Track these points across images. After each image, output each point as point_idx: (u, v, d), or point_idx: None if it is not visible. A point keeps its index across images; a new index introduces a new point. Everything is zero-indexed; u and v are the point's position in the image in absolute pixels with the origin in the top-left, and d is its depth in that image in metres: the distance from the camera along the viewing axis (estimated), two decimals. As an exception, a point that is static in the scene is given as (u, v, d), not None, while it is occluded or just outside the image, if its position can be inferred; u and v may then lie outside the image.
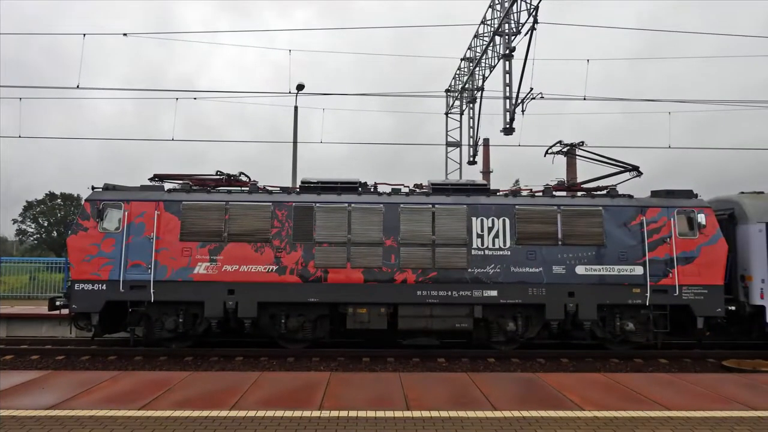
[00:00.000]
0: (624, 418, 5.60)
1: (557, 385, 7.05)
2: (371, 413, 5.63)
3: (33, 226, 56.69)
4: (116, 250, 10.71)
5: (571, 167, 31.44)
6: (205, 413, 5.59)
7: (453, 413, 5.67)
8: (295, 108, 20.10)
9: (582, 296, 10.91)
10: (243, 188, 11.77)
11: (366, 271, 10.85)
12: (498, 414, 5.67)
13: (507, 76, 15.11)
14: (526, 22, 14.66)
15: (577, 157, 13.09)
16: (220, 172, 12.09)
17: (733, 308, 11.23)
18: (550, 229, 11.07)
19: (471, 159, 20.80)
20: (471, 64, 19.59)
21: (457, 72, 21.02)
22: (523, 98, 14.79)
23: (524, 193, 11.81)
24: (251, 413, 5.59)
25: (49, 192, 56.52)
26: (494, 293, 10.88)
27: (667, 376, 7.90)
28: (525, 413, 5.69)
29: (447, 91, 22.03)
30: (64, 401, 6.06)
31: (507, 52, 15.23)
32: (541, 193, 11.69)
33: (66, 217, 53.42)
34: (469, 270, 10.89)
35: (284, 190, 11.72)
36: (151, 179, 11.75)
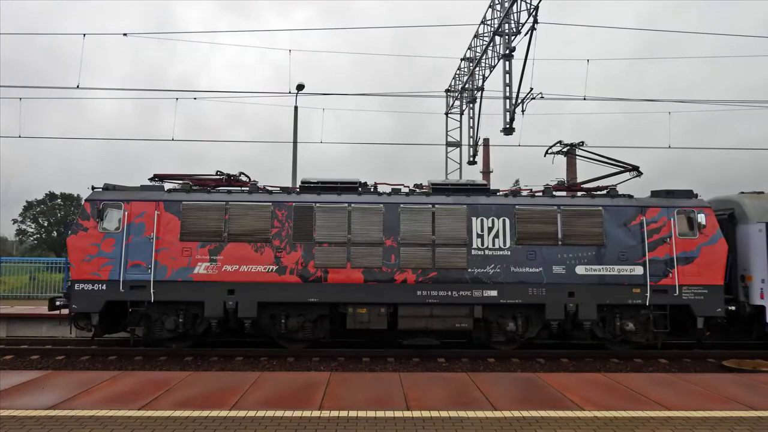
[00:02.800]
0: (624, 418, 5.60)
1: (557, 385, 7.05)
2: (371, 413, 5.64)
3: (33, 226, 56.73)
4: (116, 250, 10.71)
5: (571, 167, 31.48)
6: (205, 413, 5.59)
7: (453, 413, 5.67)
8: (295, 108, 20.13)
9: (582, 296, 10.90)
10: (243, 188, 11.76)
11: (366, 271, 10.85)
12: (498, 414, 5.67)
13: (507, 76, 15.11)
14: (526, 22, 14.67)
15: (577, 157, 13.09)
16: (220, 172, 12.09)
17: (733, 308, 11.23)
18: (550, 229, 11.07)
19: (471, 159, 20.80)
20: (471, 64, 19.59)
21: (457, 72, 21.02)
22: (523, 98, 14.80)
23: (524, 193, 11.81)
24: (251, 413, 5.60)
25: (49, 192, 56.62)
26: (494, 293, 10.88)
27: (667, 376, 7.90)
28: (525, 413, 5.69)
29: (447, 91, 22.03)
30: (64, 401, 6.06)
31: (507, 52, 15.23)
32: (541, 193, 11.69)
33: (66, 217, 53.47)
34: (469, 270, 10.89)
35: (284, 190, 11.72)
36: (151, 179, 11.75)
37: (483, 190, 11.73)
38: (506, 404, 6.06)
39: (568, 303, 10.89)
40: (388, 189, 11.68)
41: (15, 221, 55.99)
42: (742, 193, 12.28)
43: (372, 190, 11.69)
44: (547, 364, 10.72)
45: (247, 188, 11.61)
